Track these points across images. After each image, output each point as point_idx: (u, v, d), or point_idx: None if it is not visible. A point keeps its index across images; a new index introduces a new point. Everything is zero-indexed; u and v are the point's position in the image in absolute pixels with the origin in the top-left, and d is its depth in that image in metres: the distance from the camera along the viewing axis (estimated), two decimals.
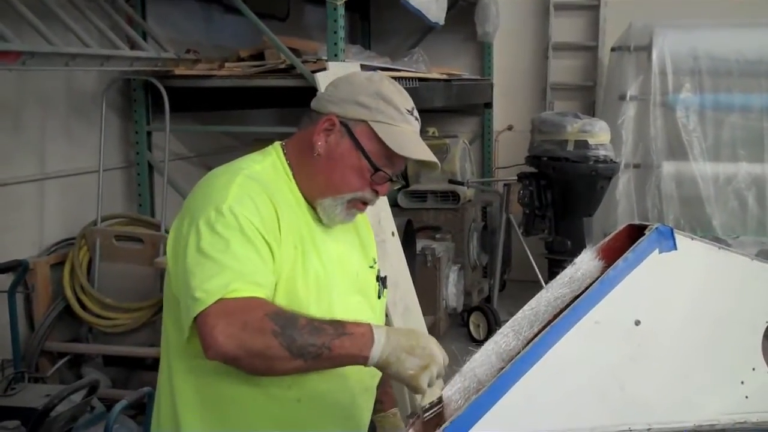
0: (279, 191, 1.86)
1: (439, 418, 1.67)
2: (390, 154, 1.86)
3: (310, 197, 1.91)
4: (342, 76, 1.99)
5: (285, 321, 1.63)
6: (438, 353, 1.68)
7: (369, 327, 1.67)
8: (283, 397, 1.83)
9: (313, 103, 1.95)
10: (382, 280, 2.07)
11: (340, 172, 1.87)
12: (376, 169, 1.86)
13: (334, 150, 1.87)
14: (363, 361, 1.66)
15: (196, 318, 1.66)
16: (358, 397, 1.94)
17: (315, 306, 1.83)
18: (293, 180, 1.91)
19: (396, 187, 2.02)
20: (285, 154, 1.94)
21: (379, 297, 2.05)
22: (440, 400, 1.68)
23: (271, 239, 1.76)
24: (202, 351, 1.65)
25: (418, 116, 1.93)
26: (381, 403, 2.08)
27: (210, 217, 1.73)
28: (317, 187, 1.89)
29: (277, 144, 1.98)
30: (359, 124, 1.86)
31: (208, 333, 1.62)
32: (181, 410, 1.86)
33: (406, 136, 1.88)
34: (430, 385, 1.67)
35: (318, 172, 1.89)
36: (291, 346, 1.61)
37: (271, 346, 1.61)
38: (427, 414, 1.68)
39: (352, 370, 1.78)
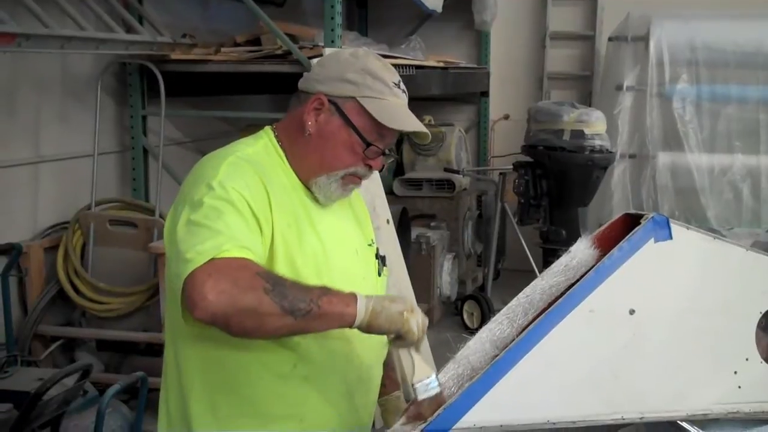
0: (272, 172, 1.87)
1: (434, 401, 1.68)
2: (380, 128, 1.87)
3: (305, 177, 1.91)
4: (327, 54, 1.99)
5: (275, 279, 1.65)
6: (416, 306, 1.70)
7: (350, 291, 1.69)
8: (290, 375, 1.83)
9: (301, 84, 1.95)
10: (381, 258, 2.08)
11: (331, 149, 1.88)
12: (368, 144, 1.88)
13: (324, 128, 1.88)
14: (351, 319, 1.66)
15: (186, 280, 1.63)
16: (364, 374, 1.95)
17: (317, 283, 1.83)
18: (286, 161, 1.92)
19: (389, 161, 2.02)
20: (276, 137, 1.95)
21: (379, 274, 2.06)
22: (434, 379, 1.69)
23: (260, 216, 1.77)
24: (189, 312, 1.62)
25: (405, 89, 1.94)
26: (384, 387, 2.09)
27: (201, 193, 1.74)
28: (310, 166, 1.90)
29: (268, 128, 1.99)
30: (348, 100, 1.87)
31: (197, 290, 1.60)
32: (189, 394, 1.87)
33: (396, 109, 1.89)
34: (419, 327, 1.68)
35: (310, 152, 1.90)
36: (282, 302, 1.61)
37: (263, 302, 1.60)
38: (419, 386, 1.68)
39: (357, 346, 1.79)
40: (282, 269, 1.80)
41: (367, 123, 1.86)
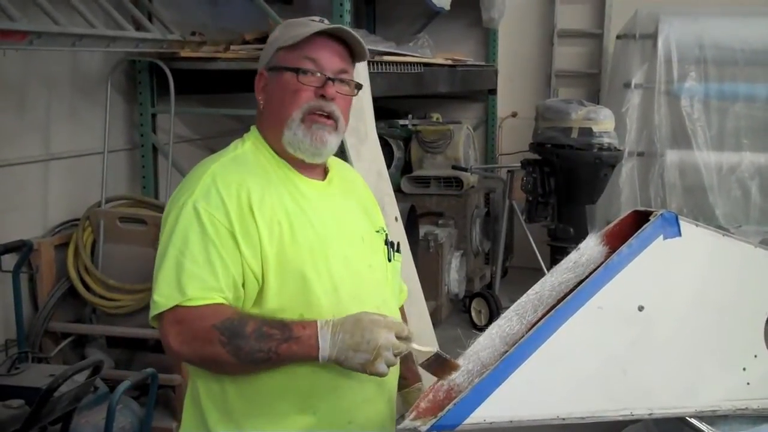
0: (260, 170, 1.90)
1: (443, 367, 1.71)
2: (302, 52, 1.90)
3: (279, 147, 1.94)
4: None
5: (232, 330, 1.71)
6: (385, 340, 1.68)
7: (315, 329, 1.71)
8: (297, 368, 1.81)
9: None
10: (391, 244, 2.08)
11: (278, 101, 1.93)
12: (297, 71, 1.89)
13: (271, 92, 1.95)
14: (314, 360, 1.73)
15: (156, 319, 1.78)
16: None
17: (314, 274, 1.84)
18: (275, 153, 1.95)
19: (345, 90, 1.95)
20: (260, 132, 2.00)
21: (390, 260, 2.06)
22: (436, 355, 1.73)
23: (239, 230, 1.80)
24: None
25: (328, 23, 2.00)
26: (405, 379, 2.11)
27: (177, 212, 1.82)
28: (273, 130, 1.94)
29: (253, 127, 2.04)
30: (275, 55, 1.94)
31: (164, 337, 1.76)
32: (202, 396, 1.90)
33: (307, 28, 1.92)
34: (390, 364, 1.70)
35: (268, 116, 1.96)
36: (238, 353, 1.71)
37: (220, 354, 1.71)
38: (425, 362, 1.73)
39: None
40: (273, 265, 1.82)
41: (290, 55, 1.91)
